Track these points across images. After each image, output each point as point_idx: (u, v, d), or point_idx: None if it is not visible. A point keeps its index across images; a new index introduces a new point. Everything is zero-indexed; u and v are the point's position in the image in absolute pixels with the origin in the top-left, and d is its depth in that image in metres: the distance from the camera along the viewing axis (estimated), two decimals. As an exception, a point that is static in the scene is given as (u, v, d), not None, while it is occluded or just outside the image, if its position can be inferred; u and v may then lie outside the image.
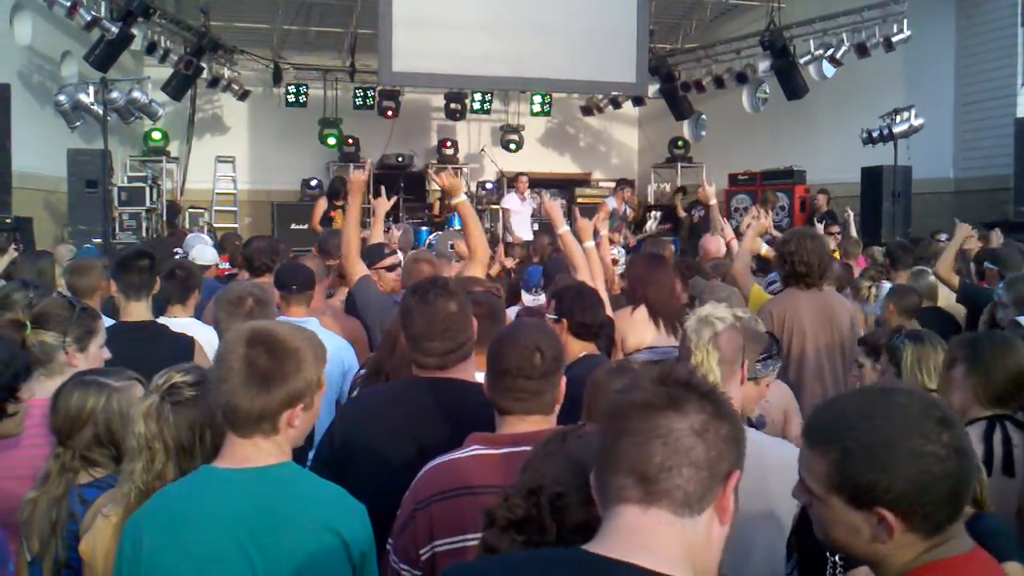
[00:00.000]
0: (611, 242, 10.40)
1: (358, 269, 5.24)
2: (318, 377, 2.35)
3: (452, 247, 8.13)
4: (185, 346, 4.40)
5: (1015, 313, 5.23)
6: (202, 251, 8.17)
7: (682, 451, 1.52)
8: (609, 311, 4.88)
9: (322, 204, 14.32)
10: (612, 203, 13.95)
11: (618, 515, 1.58)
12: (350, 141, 18.68)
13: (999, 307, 5.45)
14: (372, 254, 5.74)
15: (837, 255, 9.04)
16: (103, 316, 4.06)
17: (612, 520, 1.59)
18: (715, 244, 8.24)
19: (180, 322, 4.84)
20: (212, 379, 2.36)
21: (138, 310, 4.59)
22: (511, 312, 4.99)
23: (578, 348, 3.98)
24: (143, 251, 4.98)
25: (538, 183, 16.54)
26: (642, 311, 5.09)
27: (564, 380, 2.65)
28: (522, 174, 15.45)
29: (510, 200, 15.17)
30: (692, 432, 1.53)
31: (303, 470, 2.38)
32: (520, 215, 14.97)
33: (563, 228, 5.16)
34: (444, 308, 2.96)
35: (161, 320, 4.82)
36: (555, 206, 5.46)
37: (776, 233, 8.81)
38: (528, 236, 13.68)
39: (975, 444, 3.06)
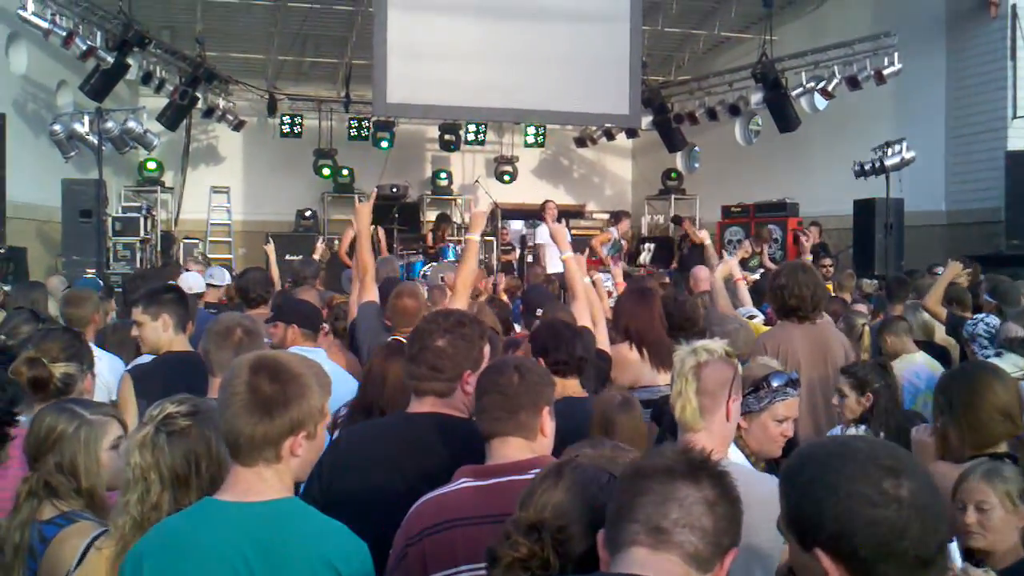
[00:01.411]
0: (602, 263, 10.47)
1: (369, 293, 5.23)
2: (322, 405, 2.35)
3: (443, 279, 8.15)
4: None
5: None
6: (184, 279, 8.15)
7: (695, 515, 1.72)
8: (606, 346, 4.85)
9: (349, 235, 14.18)
10: (615, 232, 13.91)
11: (629, 554, 1.72)
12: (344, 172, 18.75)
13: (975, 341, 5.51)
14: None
15: (830, 288, 9.07)
16: (94, 347, 4.08)
17: (622, 560, 1.73)
18: (705, 273, 8.41)
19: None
20: (217, 406, 2.35)
21: (185, 342, 4.59)
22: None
23: (559, 388, 3.88)
24: (173, 286, 5.06)
25: (531, 215, 16.52)
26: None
27: (549, 412, 2.65)
28: (548, 201, 14.61)
29: (543, 233, 13.97)
30: (704, 501, 1.73)
31: (306, 506, 2.37)
32: (553, 247, 14.04)
33: (567, 254, 5.11)
34: (432, 339, 2.97)
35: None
36: (561, 231, 5.40)
37: (772, 265, 8.89)
38: (559, 269, 13.13)
39: None
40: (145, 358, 4.56)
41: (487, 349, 3.08)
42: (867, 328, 6.57)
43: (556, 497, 2.01)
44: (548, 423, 2.65)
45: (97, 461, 2.80)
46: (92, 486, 2.78)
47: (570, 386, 3.93)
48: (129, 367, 4.50)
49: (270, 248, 9.44)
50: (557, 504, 1.99)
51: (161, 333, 4.44)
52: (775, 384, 3.22)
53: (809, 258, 7.36)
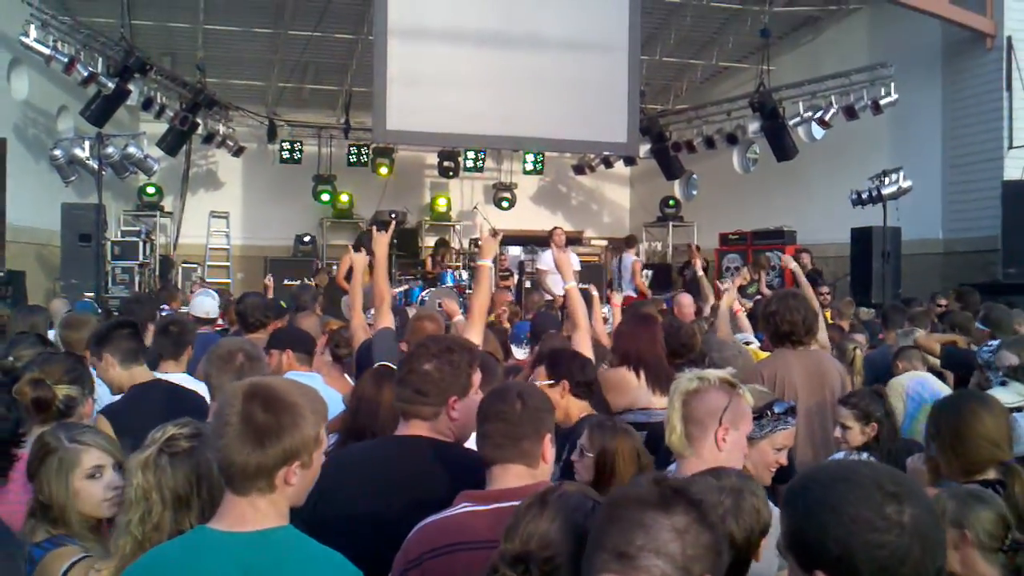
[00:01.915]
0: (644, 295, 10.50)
1: (384, 320, 5.21)
2: (317, 433, 2.29)
3: (440, 305, 8.13)
4: (201, 402, 4.37)
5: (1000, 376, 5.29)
6: (201, 303, 8.11)
7: (661, 541, 1.70)
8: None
9: (347, 260, 14.11)
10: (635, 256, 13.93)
11: None
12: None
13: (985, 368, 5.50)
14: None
15: (828, 315, 9.10)
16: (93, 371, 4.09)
17: None
18: (689, 299, 8.54)
19: (173, 377, 4.81)
20: (211, 434, 2.33)
21: (146, 372, 4.56)
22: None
23: (577, 410, 3.97)
24: (126, 320, 5.00)
25: (530, 241, 16.54)
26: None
27: (550, 439, 2.65)
28: (557, 228, 14.45)
29: (546, 259, 13.79)
30: (672, 529, 1.71)
31: (300, 534, 2.32)
32: (555, 274, 13.61)
33: (571, 283, 5.09)
34: (420, 362, 2.98)
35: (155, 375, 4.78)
36: (566, 260, 5.36)
37: (769, 293, 8.93)
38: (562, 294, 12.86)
39: None
40: (117, 396, 4.51)
41: (477, 376, 3.06)
42: (858, 352, 6.62)
43: (541, 527, 2.00)
44: (549, 450, 2.65)
45: (67, 489, 2.80)
46: (65, 514, 2.79)
47: (584, 407, 4.03)
48: (101, 408, 4.40)
49: (268, 281, 9.45)
50: (543, 534, 1.99)
51: (110, 371, 4.41)
52: (777, 411, 3.23)
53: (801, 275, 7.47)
